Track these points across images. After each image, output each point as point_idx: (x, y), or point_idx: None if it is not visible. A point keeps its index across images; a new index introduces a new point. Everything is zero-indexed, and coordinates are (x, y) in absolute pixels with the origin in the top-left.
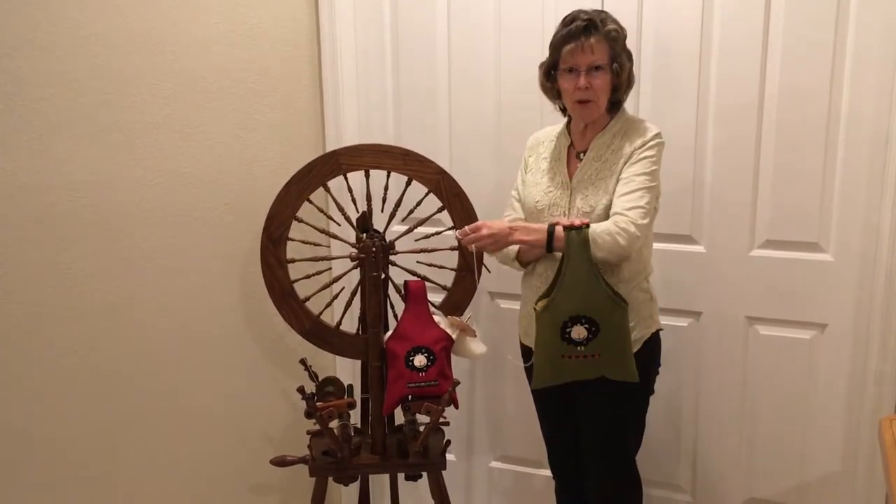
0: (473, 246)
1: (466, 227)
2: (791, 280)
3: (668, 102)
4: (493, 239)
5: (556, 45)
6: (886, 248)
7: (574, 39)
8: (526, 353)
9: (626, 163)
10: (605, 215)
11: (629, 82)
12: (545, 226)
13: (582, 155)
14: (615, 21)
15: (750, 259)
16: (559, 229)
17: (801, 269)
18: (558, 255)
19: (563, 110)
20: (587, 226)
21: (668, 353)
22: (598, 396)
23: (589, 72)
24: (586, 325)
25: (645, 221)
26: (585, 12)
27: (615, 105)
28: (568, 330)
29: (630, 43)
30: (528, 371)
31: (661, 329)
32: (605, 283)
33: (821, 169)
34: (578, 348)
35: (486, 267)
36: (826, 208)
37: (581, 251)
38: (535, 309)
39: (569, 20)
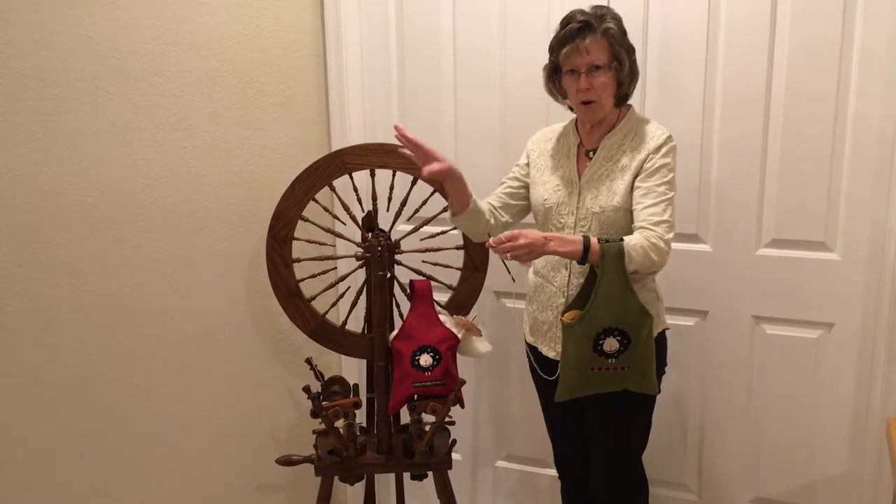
0: (509, 255)
1: (501, 236)
2: (798, 279)
3: (675, 101)
4: (528, 248)
5: (554, 48)
6: (894, 247)
7: (570, 42)
8: (531, 350)
9: (639, 166)
10: (615, 216)
11: (633, 75)
12: (580, 238)
13: (591, 154)
14: (614, 17)
15: (756, 258)
16: (594, 241)
17: (807, 269)
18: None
19: (572, 108)
20: (621, 239)
21: (675, 352)
22: (604, 397)
23: (589, 72)
24: (619, 338)
25: (671, 236)
26: (582, 12)
27: (622, 98)
28: (601, 342)
29: (636, 42)
30: (530, 359)
31: (667, 328)
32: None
33: (828, 168)
34: (609, 360)
35: (512, 277)
36: (833, 207)
37: (616, 264)
38: (562, 320)
39: (565, 21)
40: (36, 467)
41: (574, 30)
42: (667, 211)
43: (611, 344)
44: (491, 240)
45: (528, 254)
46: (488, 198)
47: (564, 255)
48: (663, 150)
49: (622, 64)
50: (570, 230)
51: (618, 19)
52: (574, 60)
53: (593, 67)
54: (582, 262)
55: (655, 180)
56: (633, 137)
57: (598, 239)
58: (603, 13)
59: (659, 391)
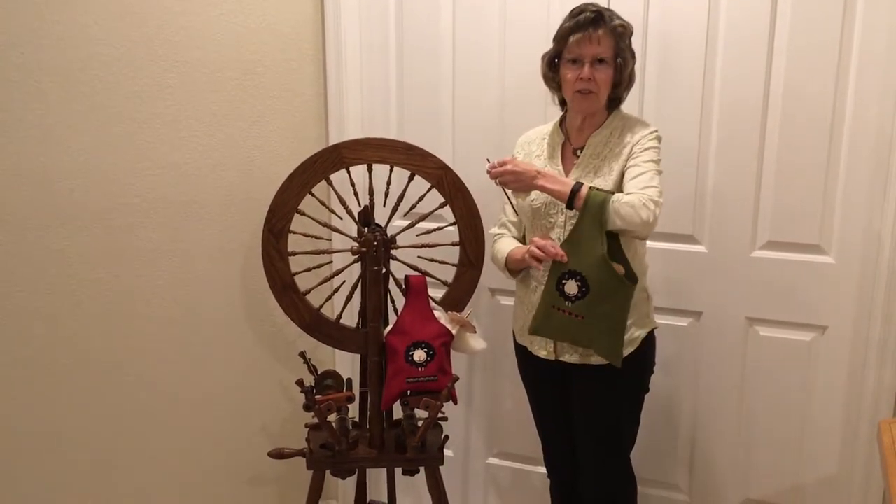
0: (497, 180)
1: (496, 161)
2: (792, 282)
3: (673, 102)
4: (514, 176)
5: (563, 35)
6: (888, 251)
7: (582, 30)
8: (521, 352)
9: (626, 158)
10: None
11: (630, 81)
12: (571, 181)
13: (579, 151)
14: (621, 18)
15: (751, 260)
16: (585, 187)
17: (802, 271)
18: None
19: (562, 104)
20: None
21: (668, 353)
22: (593, 394)
23: (593, 63)
24: (578, 283)
25: (661, 200)
26: (594, 6)
27: (613, 102)
28: (563, 282)
29: (635, 43)
30: (520, 358)
31: (655, 328)
32: (611, 253)
33: (823, 171)
34: (567, 303)
35: (512, 205)
36: (828, 210)
37: (595, 212)
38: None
39: (577, 11)
40: (29, 460)
41: (588, 19)
42: (654, 179)
43: (570, 286)
44: (490, 163)
45: (514, 181)
46: (505, 222)
47: (551, 192)
48: (648, 138)
49: (626, 63)
50: (560, 229)
51: (625, 21)
52: (582, 49)
53: (598, 60)
54: (569, 205)
55: (643, 158)
56: (620, 134)
57: (590, 187)
58: (611, 12)
59: (647, 390)
